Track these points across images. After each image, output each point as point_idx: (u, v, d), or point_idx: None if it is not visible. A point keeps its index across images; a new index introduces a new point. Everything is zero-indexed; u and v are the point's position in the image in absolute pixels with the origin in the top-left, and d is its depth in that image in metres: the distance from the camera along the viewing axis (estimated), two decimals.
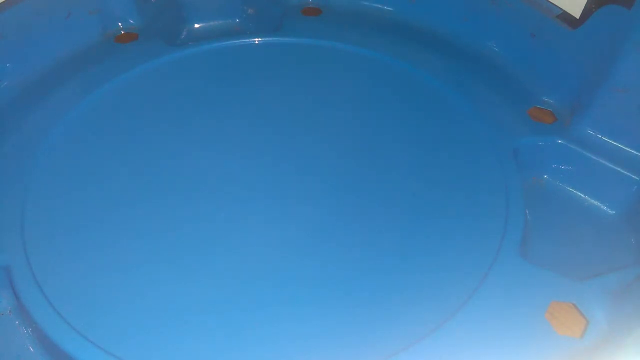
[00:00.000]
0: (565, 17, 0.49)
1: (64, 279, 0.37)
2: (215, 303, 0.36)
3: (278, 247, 0.40)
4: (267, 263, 0.39)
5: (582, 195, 0.45)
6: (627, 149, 0.45)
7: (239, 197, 0.43)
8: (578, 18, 0.47)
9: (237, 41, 0.56)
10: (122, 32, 0.58)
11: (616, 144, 0.45)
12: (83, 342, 0.33)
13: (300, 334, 0.35)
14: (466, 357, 0.33)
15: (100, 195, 0.42)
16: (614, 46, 0.43)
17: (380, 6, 0.61)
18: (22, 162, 0.44)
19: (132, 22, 0.59)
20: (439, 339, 0.33)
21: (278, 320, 0.35)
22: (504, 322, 0.34)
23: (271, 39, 0.56)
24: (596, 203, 0.45)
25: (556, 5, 0.49)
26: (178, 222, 0.41)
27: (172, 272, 0.38)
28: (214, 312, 0.36)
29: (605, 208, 0.44)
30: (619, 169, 0.44)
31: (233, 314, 0.36)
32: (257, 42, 0.56)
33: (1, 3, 0.50)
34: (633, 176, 0.43)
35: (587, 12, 0.46)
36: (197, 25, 0.60)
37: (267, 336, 0.35)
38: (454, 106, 0.49)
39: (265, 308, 0.36)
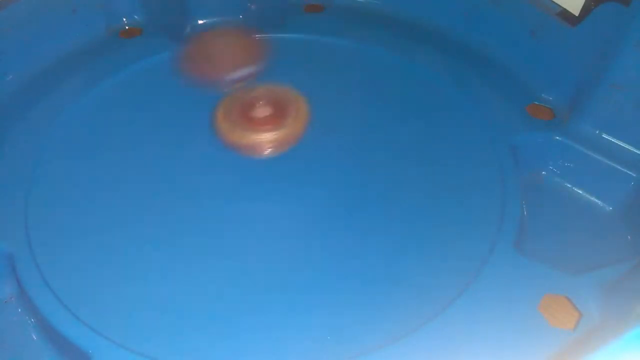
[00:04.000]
0: (564, 14, 0.49)
1: (66, 266, 0.38)
2: (212, 301, 0.37)
3: (277, 246, 0.40)
4: (267, 264, 0.39)
5: (579, 191, 0.45)
6: (625, 146, 0.45)
7: (241, 196, 0.43)
8: (577, 15, 0.48)
9: None
10: (127, 27, 0.59)
11: (614, 140, 0.45)
12: (85, 330, 0.34)
13: (299, 334, 0.35)
14: (460, 348, 0.33)
15: (104, 185, 0.43)
16: (612, 43, 0.44)
17: (381, 3, 0.62)
18: (26, 151, 0.45)
19: (136, 17, 0.59)
20: (432, 331, 0.34)
21: (276, 320, 0.36)
22: (497, 314, 0.35)
23: (274, 35, 0.57)
24: (593, 199, 0.45)
25: (555, 3, 0.50)
26: (179, 215, 0.41)
27: (176, 263, 0.38)
28: (211, 307, 0.37)
29: (601, 204, 0.45)
30: (616, 166, 0.44)
31: (228, 312, 0.36)
32: (259, 38, 0.56)
33: None
34: (630, 172, 0.43)
35: (586, 10, 0.46)
36: (200, 21, 0.60)
37: (266, 336, 0.35)
38: (453, 102, 0.50)
39: (265, 309, 0.37)
